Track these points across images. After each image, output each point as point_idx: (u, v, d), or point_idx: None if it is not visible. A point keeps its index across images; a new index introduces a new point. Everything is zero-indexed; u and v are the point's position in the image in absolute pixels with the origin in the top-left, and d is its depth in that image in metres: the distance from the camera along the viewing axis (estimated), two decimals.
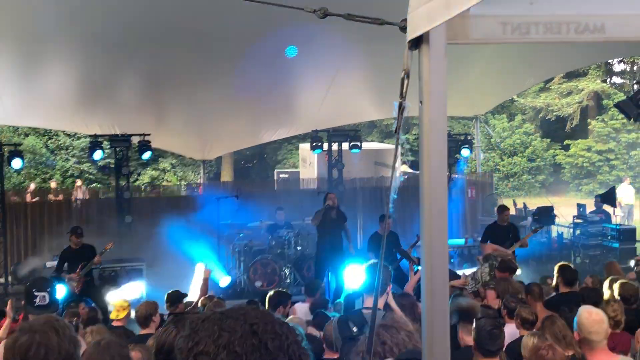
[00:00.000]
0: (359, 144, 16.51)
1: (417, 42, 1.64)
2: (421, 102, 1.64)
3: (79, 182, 23.45)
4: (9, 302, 6.50)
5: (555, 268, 8.25)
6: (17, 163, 14.70)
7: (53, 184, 22.18)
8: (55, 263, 12.06)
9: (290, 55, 12.12)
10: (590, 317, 4.65)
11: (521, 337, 5.78)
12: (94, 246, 11.58)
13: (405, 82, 1.67)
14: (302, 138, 24.25)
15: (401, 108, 1.69)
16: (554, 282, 8.05)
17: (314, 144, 16.29)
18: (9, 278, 14.94)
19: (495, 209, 13.17)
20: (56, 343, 2.44)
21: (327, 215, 12.26)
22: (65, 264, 11.40)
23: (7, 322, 6.40)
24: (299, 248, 14.45)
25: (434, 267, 1.67)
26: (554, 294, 8.01)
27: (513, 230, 12.25)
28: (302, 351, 1.53)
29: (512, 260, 10.04)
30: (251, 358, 1.43)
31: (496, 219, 12.37)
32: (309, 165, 21.68)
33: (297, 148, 27.49)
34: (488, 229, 12.32)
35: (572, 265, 8.67)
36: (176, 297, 8.44)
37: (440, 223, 1.65)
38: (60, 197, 18.33)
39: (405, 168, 22.37)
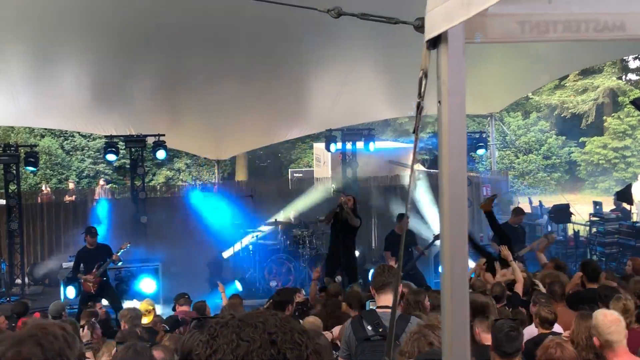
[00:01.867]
0: (373, 142, 16.50)
1: (435, 42, 1.63)
2: (439, 101, 1.63)
3: (101, 182, 23.49)
4: None
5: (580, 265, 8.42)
6: (30, 167, 14.94)
7: (71, 185, 22.24)
8: (71, 264, 12.15)
9: None
10: (606, 318, 4.63)
11: (539, 335, 5.76)
12: (110, 246, 11.65)
13: (423, 81, 1.66)
14: (316, 137, 24.23)
15: (419, 108, 1.68)
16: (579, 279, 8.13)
17: (329, 143, 16.31)
18: (26, 279, 15.04)
19: (512, 209, 13.13)
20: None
21: (339, 215, 12.23)
22: (81, 264, 11.48)
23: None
24: (313, 247, 14.45)
25: (454, 268, 1.66)
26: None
27: (522, 233, 12.27)
28: None
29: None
30: None
31: (508, 220, 12.36)
32: (323, 164, 21.65)
33: (311, 147, 27.48)
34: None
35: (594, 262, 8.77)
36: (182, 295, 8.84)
37: (459, 224, 1.64)
38: (74, 197, 18.40)
39: (419, 167, 22.29)
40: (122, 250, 11.66)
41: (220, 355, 1.43)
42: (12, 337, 2.50)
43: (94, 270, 11.24)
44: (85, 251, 11.52)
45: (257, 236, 14.88)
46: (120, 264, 12.10)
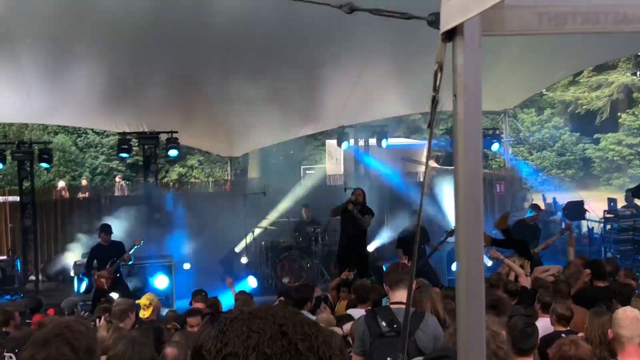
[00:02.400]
0: (385, 139, 16.47)
1: (451, 34, 1.60)
2: (455, 95, 1.60)
3: (117, 179, 23.57)
4: None
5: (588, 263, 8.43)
6: (44, 163, 15.07)
7: (84, 182, 22.34)
8: (85, 260, 12.22)
9: None
10: (625, 313, 4.61)
11: (555, 332, 5.73)
12: (123, 244, 11.71)
13: (439, 75, 1.63)
14: (329, 134, 24.21)
15: (434, 102, 1.65)
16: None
17: (341, 140, 16.28)
18: (40, 275, 15.11)
19: (529, 205, 13.05)
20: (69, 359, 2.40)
21: (348, 210, 12.21)
22: (95, 261, 11.56)
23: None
24: (326, 244, 14.44)
25: (469, 264, 1.63)
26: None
27: (538, 231, 12.23)
28: (333, 352, 1.48)
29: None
30: (281, 359, 1.41)
31: (524, 217, 12.33)
32: (335, 161, 21.63)
33: (324, 144, 27.46)
34: (515, 225, 12.27)
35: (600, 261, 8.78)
36: (200, 291, 8.81)
37: (475, 220, 1.61)
38: (87, 194, 18.50)
39: (432, 163, 22.20)
40: (135, 247, 11.71)
41: (231, 348, 1.42)
42: (38, 337, 2.47)
43: (107, 267, 11.30)
44: (99, 248, 11.59)
45: (269, 233, 14.90)
46: (131, 262, 12.14)
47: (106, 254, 11.44)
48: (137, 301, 8.54)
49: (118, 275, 11.57)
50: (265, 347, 1.40)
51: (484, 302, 1.65)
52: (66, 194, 18.39)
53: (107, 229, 11.60)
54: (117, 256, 11.40)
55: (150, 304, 8.00)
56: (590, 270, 8.10)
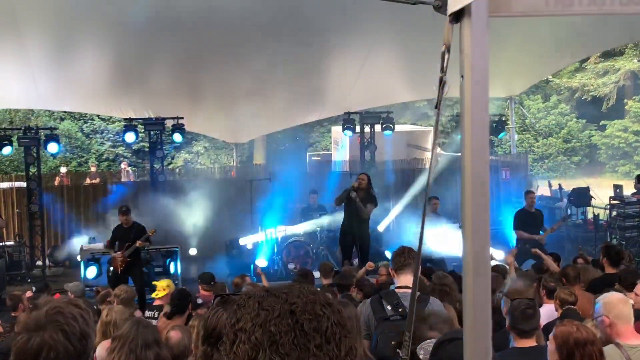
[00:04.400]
0: (391, 125, 16.43)
1: (459, 16, 1.60)
2: (462, 76, 1.61)
3: (123, 165, 23.58)
4: None
5: (601, 248, 8.31)
6: (52, 147, 14.96)
7: (92, 168, 22.35)
8: (91, 245, 12.27)
9: None
10: (613, 297, 4.62)
11: (558, 318, 5.72)
12: (144, 227, 11.66)
13: (446, 56, 1.64)
14: (335, 120, 24.17)
15: (442, 83, 1.66)
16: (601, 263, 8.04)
17: (346, 126, 16.25)
18: (47, 261, 15.17)
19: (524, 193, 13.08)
20: (63, 347, 2.41)
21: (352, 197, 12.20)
22: (117, 242, 11.58)
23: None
24: (331, 230, 14.45)
25: (475, 246, 1.64)
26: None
27: (540, 217, 12.29)
28: (344, 333, 1.47)
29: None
30: (285, 338, 1.41)
31: (524, 205, 12.44)
32: (341, 147, 21.62)
33: (329, 130, 27.41)
34: (518, 215, 12.39)
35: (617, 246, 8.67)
36: (209, 278, 8.70)
37: (482, 204, 1.62)
38: (97, 179, 18.55)
39: (437, 149, 22.13)
40: (148, 237, 11.64)
41: (242, 324, 1.45)
42: (31, 323, 2.47)
43: (122, 250, 11.32)
44: (120, 229, 11.61)
45: (274, 219, 14.91)
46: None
47: (125, 236, 11.45)
48: (154, 282, 8.62)
49: (130, 259, 11.44)
50: (271, 325, 1.42)
51: (489, 283, 1.66)
52: (67, 181, 18.40)
53: (122, 211, 11.58)
54: (133, 241, 11.40)
55: (167, 286, 8.11)
56: (606, 256, 7.98)
